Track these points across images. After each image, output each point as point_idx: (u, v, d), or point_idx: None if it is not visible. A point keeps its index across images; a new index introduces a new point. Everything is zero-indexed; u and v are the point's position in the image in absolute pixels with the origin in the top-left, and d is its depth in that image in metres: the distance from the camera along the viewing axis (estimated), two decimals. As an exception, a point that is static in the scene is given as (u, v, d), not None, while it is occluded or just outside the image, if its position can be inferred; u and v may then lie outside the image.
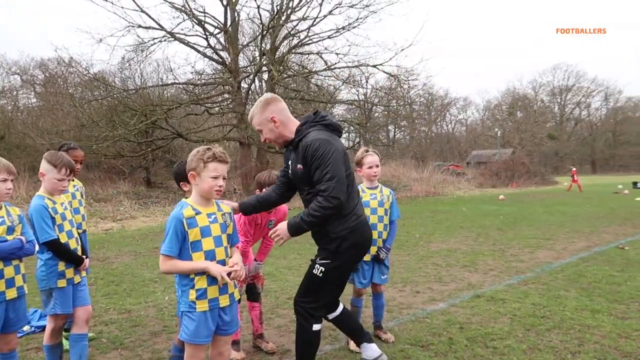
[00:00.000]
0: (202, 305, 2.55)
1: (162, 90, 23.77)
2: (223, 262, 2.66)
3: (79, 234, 3.86)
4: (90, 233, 11.56)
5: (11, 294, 2.83)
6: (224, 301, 2.64)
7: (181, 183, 3.18)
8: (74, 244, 3.26)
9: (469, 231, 11.09)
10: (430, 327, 4.46)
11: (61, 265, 3.19)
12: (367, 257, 4.04)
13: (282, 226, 3.04)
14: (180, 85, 24.09)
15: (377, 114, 32.52)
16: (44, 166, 3.20)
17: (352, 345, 4.00)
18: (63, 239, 3.20)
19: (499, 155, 46.70)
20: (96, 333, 4.45)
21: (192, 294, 2.54)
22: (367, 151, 4.18)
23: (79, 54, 39.56)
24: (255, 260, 4.04)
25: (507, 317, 4.73)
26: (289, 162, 3.22)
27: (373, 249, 4.05)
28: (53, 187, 3.22)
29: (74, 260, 3.23)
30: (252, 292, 4.09)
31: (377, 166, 4.18)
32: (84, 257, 3.33)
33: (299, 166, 3.03)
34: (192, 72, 24.40)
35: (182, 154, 25.82)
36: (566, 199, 20.88)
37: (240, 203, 3.34)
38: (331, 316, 3.39)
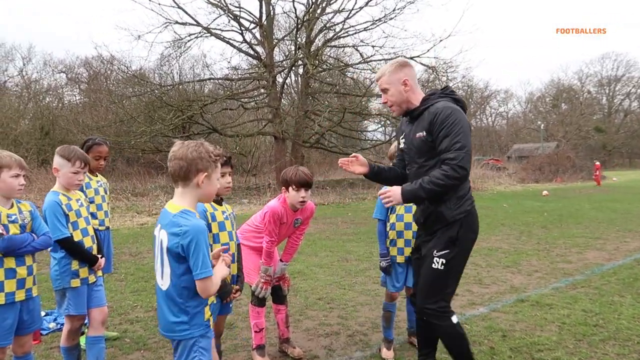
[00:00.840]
0: None
1: (198, 85, 23.99)
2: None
3: (101, 230, 3.71)
4: (125, 227, 11.70)
5: (20, 295, 2.71)
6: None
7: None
8: (89, 242, 3.14)
9: (511, 229, 10.56)
10: (470, 334, 4.12)
11: (75, 264, 3.10)
12: (400, 259, 3.76)
13: (395, 189, 2.87)
14: (217, 81, 24.26)
15: (414, 108, 31.77)
16: (57, 161, 3.12)
17: (385, 352, 3.75)
18: (77, 236, 3.10)
19: (542, 149, 45.04)
20: (120, 332, 4.35)
21: None
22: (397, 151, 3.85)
23: (118, 51, 40.54)
24: (280, 260, 3.81)
25: (555, 325, 4.34)
26: (403, 134, 3.12)
27: (407, 250, 3.76)
28: (68, 181, 3.13)
29: (88, 260, 3.11)
30: (278, 295, 3.87)
31: None
32: (99, 256, 3.20)
33: (420, 134, 2.91)
34: (228, 68, 24.53)
35: (220, 149, 25.97)
36: (616, 195, 19.77)
37: (370, 163, 3.25)
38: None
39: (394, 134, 33.50)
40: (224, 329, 3.42)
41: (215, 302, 2.84)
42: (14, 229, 2.67)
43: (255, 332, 3.71)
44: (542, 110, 70.07)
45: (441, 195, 2.85)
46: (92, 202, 3.97)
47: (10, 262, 2.65)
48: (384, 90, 3.04)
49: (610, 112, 68.94)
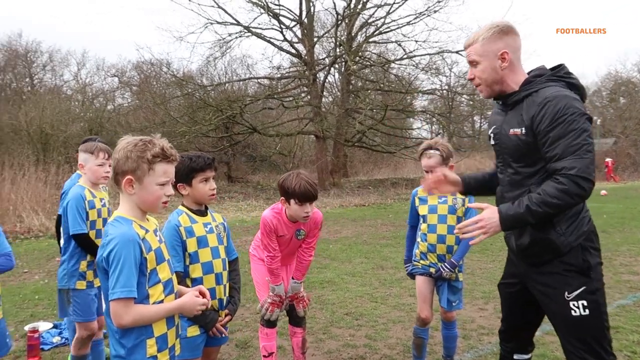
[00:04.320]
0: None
1: (240, 85, 23.93)
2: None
3: None
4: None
5: None
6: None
7: (179, 185, 2.56)
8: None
9: (567, 233, 9.64)
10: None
11: (82, 266, 3.09)
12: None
13: (491, 215, 2.12)
14: (258, 80, 24.13)
15: (461, 104, 30.73)
16: (81, 157, 3.14)
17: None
18: (92, 237, 3.11)
19: (599, 146, 42.44)
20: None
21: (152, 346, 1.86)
22: (425, 150, 3.22)
23: (160, 52, 41.40)
24: (292, 278, 3.34)
25: (622, 354, 3.66)
26: (492, 129, 2.39)
27: (440, 264, 3.22)
28: (95, 174, 3.14)
29: None
30: (293, 316, 3.39)
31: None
32: None
33: (516, 131, 2.19)
34: (269, 67, 24.36)
35: (262, 149, 25.97)
36: (685, 194, 18.12)
37: (463, 177, 2.58)
38: (518, 357, 2.52)
39: (440, 131, 32.46)
40: None
41: (185, 333, 2.41)
42: None
43: (264, 356, 3.26)
44: (598, 105, 66.28)
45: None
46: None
47: None
48: (473, 63, 2.28)
49: (675, 105, 64.46)
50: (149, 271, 1.82)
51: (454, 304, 3.28)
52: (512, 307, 2.50)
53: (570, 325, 2.16)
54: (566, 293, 2.15)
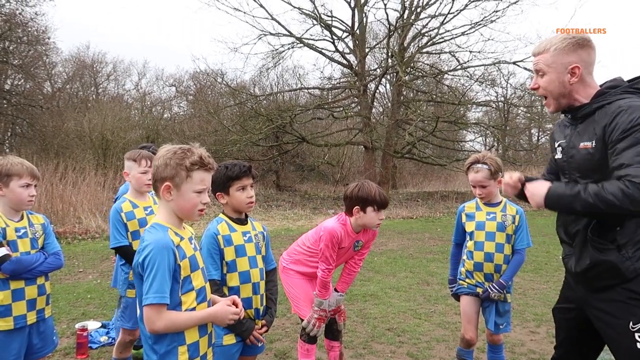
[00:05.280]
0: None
1: (291, 95, 24.25)
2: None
3: None
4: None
5: (32, 318, 2.46)
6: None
7: (217, 194, 2.57)
8: None
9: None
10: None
11: (131, 275, 3.08)
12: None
13: (538, 185, 2.08)
14: (308, 90, 24.36)
15: (518, 117, 29.75)
16: (126, 165, 3.23)
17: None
18: (135, 247, 3.09)
19: None
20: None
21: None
22: (472, 164, 3.10)
23: (215, 63, 42.65)
24: (335, 290, 3.28)
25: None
26: (559, 142, 2.26)
27: (487, 284, 3.06)
28: (138, 182, 3.20)
29: None
30: (331, 330, 3.33)
31: (484, 187, 3.09)
32: None
33: (587, 144, 2.05)
34: (320, 77, 24.57)
35: (310, 158, 26.16)
36: None
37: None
38: None
39: (495, 144, 31.58)
40: None
41: (221, 341, 2.40)
42: (23, 246, 2.44)
43: (304, 372, 3.21)
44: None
45: (613, 235, 1.99)
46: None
47: (18, 283, 2.41)
48: (539, 72, 2.16)
49: None
50: (182, 278, 1.83)
51: (501, 326, 3.11)
52: (567, 334, 2.34)
53: (635, 358, 1.98)
54: (631, 323, 1.99)
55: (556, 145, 2.29)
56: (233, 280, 2.48)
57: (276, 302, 2.69)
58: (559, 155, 2.25)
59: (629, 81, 2.10)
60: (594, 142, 2.02)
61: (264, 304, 2.59)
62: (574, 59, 2.08)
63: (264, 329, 2.56)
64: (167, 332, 1.77)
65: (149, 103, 32.25)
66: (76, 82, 32.69)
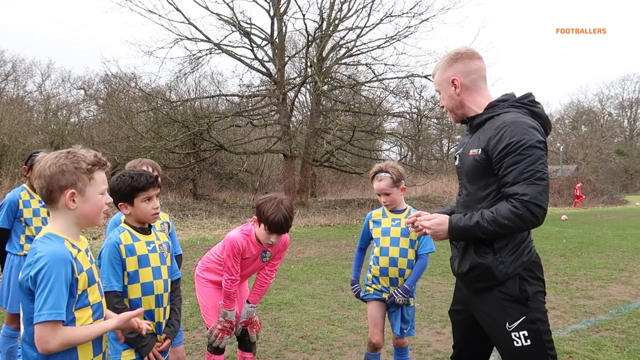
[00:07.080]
0: None
1: (209, 102, 23.73)
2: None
3: None
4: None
5: None
6: None
7: (120, 204, 2.42)
8: None
9: (527, 257, 9.77)
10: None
11: None
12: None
13: (440, 221, 2.15)
14: (227, 98, 24.00)
15: (429, 128, 31.27)
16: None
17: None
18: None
19: (561, 172, 43.81)
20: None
21: None
22: (376, 173, 3.20)
23: (128, 66, 40.85)
24: (247, 302, 3.21)
25: (574, 380, 3.65)
26: (458, 150, 2.39)
27: (392, 290, 3.15)
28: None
29: None
30: (244, 341, 3.25)
31: (387, 194, 3.19)
32: None
33: (474, 151, 2.17)
34: (240, 85, 24.29)
35: (229, 166, 25.71)
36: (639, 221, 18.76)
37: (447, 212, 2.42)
38: None
39: (407, 153, 33.02)
40: None
41: (119, 358, 2.27)
42: None
43: (211, 384, 3.10)
44: (561, 132, 68.70)
45: (492, 240, 2.11)
46: (28, 224, 3.48)
47: None
48: (438, 92, 2.38)
49: (632, 135, 67.51)
50: (79, 293, 1.70)
51: (405, 330, 3.21)
52: (462, 334, 2.45)
53: (514, 356, 2.11)
54: (507, 323, 2.11)
55: (456, 153, 2.43)
56: (134, 292, 2.35)
57: (179, 312, 2.58)
58: (457, 162, 2.40)
59: (518, 97, 2.22)
60: (479, 150, 2.15)
61: (167, 317, 2.47)
62: (451, 73, 2.27)
63: (167, 342, 2.44)
64: (63, 349, 1.63)
65: (53, 106, 30.09)
66: (-33, 81, 29.86)
